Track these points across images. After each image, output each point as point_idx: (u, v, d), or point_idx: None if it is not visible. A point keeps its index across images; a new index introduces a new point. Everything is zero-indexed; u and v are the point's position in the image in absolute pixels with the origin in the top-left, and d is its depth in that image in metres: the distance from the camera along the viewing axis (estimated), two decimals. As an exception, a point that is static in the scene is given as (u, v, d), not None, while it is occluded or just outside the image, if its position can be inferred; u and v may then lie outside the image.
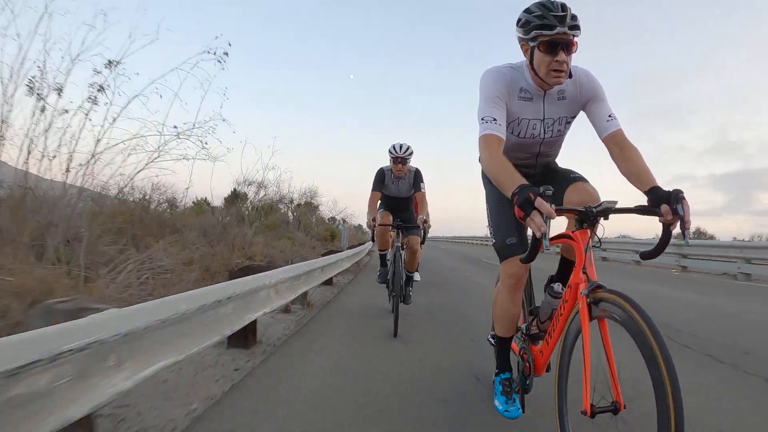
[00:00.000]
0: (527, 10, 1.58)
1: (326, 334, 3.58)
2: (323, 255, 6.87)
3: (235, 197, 9.85)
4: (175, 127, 5.87)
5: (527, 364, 1.87)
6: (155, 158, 5.62)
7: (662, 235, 1.35)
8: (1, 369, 1.02)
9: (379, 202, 4.42)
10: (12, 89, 4.41)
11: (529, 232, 1.30)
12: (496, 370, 2.02)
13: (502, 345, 1.99)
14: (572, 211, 1.51)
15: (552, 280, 1.91)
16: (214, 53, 5.87)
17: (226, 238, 7.11)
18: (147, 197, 7.15)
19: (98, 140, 4.98)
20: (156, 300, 1.81)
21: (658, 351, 1.10)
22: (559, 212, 1.51)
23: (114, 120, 5.15)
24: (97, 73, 5.03)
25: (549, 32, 1.52)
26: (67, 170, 4.71)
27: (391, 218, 4.15)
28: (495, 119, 1.62)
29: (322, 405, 2.07)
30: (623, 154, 1.59)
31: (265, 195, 10.66)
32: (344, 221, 21.56)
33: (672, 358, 1.09)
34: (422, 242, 4.16)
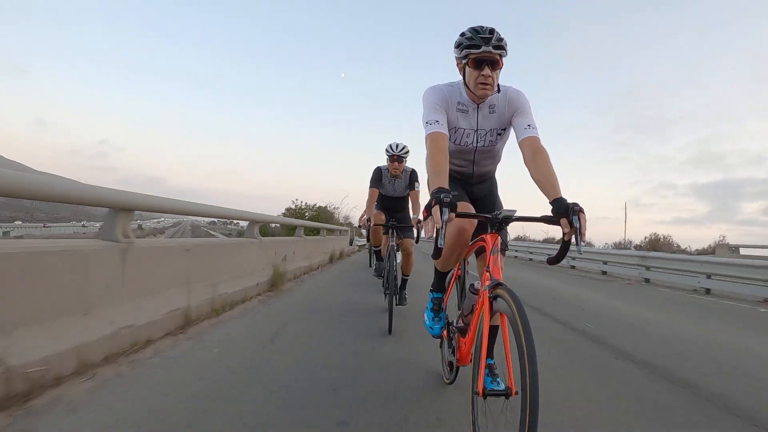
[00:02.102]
0: (462, 34, 1.81)
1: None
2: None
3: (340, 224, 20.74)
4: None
5: (456, 355, 1.98)
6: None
7: (561, 243, 1.46)
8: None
9: (375, 201, 4.38)
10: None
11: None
12: (431, 288, 2.27)
13: (439, 274, 2.22)
14: (480, 217, 1.68)
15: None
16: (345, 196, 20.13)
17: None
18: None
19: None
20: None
21: (525, 346, 1.19)
22: (471, 216, 1.77)
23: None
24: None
25: (476, 51, 1.75)
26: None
27: (383, 217, 4.18)
28: (437, 121, 1.82)
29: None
30: (535, 159, 1.72)
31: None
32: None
33: (536, 354, 1.17)
34: (416, 241, 4.12)
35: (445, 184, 1.57)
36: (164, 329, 2.86)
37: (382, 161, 4.30)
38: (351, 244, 16.77)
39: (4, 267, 1.86)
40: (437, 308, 2.25)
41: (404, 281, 4.29)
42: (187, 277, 3.36)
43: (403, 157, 4.07)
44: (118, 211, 2.73)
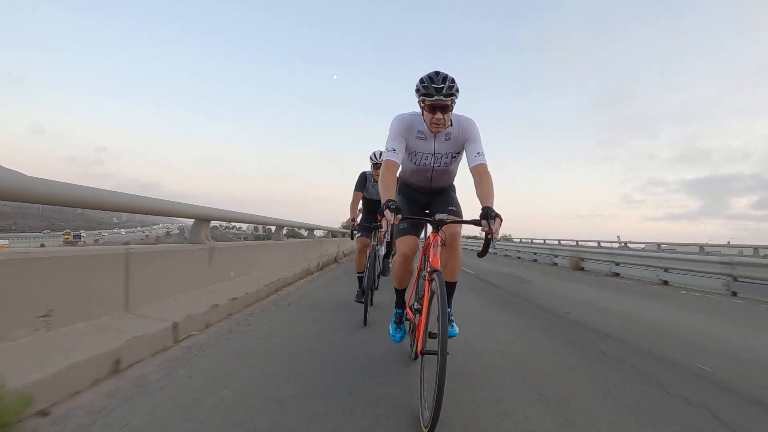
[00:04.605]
0: (420, 80, 2.11)
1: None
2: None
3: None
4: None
5: (416, 331, 2.22)
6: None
7: (484, 240, 1.86)
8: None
9: (360, 206, 4.60)
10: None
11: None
12: (395, 306, 2.62)
13: (398, 293, 2.58)
14: (421, 220, 2.19)
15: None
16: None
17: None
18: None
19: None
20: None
21: (440, 316, 1.63)
22: (411, 219, 2.18)
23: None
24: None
25: (430, 99, 2.07)
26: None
27: (368, 241, 4.26)
28: (395, 150, 2.17)
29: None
30: (480, 181, 2.07)
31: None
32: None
33: (447, 323, 1.60)
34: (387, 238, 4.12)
35: (393, 197, 1.93)
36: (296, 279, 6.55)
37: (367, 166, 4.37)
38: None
39: (237, 253, 4.57)
40: (398, 321, 2.59)
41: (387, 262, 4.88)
42: (304, 255, 8.05)
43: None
44: (280, 228, 7.53)
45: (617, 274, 10.68)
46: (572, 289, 7.40)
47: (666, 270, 9.28)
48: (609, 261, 11.28)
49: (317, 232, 12.45)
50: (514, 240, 31.79)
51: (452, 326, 2.42)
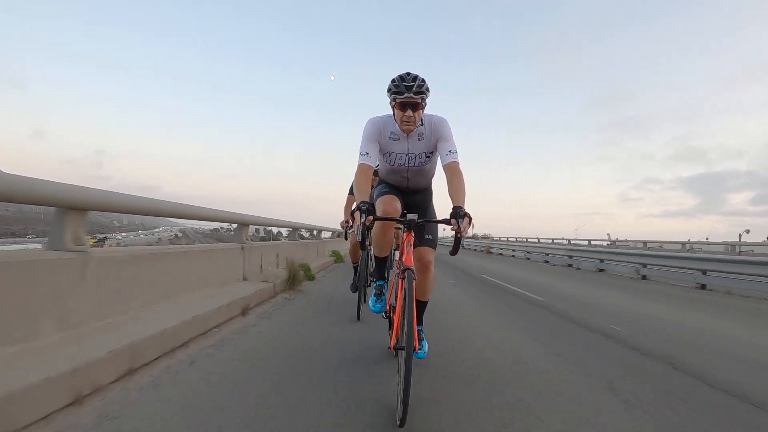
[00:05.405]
0: (392, 80, 2.21)
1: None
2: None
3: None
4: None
5: (392, 327, 2.29)
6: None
7: (454, 239, 1.96)
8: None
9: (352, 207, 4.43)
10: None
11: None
12: (376, 278, 2.73)
13: (378, 262, 2.67)
14: (393, 220, 2.26)
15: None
16: None
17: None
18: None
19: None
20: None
21: (407, 313, 1.75)
22: (383, 220, 2.26)
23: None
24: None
25: (400, 96, 2.16)
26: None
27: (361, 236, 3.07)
28: (368, 153, 2.23)
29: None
30: (452, 180, 2.15)
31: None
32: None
33: (413, 320, 1.72)
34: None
35: (366, 199, 2.03)
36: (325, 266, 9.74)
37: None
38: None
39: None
40: (379, 293, 2.70)
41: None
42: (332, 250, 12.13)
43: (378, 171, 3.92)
44: (294, 230, 11.19)
45: (502, 254, 20.35)
46: (474, 260, 15.16)
47: (547, 254, 14.82)
48: (499, 247, 21.73)
49: (324, 233, 13.44)
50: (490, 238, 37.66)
51: (422, 346, 2.46)
